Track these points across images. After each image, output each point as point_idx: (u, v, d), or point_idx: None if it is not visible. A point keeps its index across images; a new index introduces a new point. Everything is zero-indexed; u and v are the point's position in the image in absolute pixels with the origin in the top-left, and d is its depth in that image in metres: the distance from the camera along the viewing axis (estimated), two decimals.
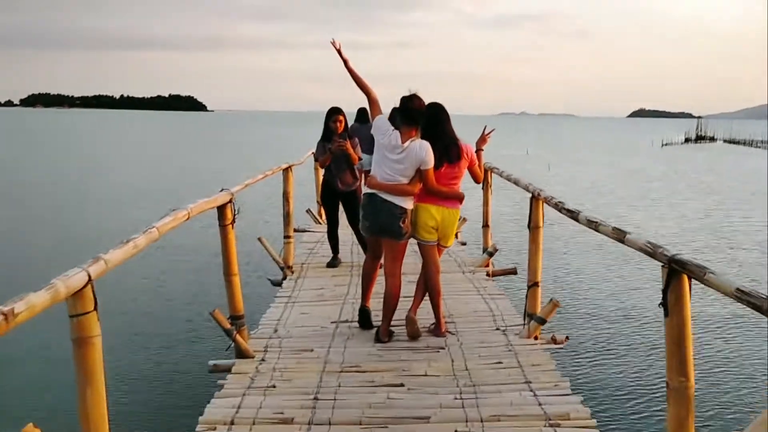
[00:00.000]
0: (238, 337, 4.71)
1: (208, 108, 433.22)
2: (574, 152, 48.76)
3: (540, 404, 3.89)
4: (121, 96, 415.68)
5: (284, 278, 7.28)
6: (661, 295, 2.60)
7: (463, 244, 9.41)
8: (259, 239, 7.41)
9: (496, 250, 7.46)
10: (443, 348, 4.88)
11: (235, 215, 4.69)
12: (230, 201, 4.61)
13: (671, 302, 2.56)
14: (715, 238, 14.97)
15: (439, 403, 3.94)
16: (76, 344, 2.46)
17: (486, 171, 7.33)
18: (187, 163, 34.55)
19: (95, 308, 2.47)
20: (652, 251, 2.74)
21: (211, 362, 4.87)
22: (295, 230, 9.68)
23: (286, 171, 7.45)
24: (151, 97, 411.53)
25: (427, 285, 5.22)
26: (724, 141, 67.57)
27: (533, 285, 5.05)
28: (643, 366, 7.11)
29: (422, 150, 4.88)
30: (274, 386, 4.23)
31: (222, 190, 4.63)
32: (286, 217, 7.46)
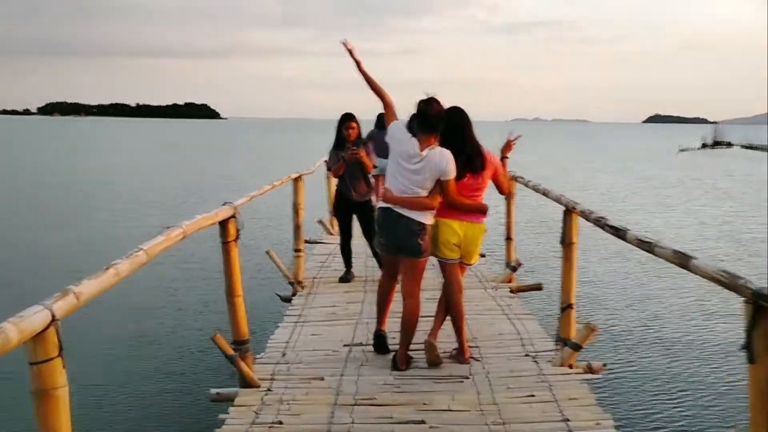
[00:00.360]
0: (241, 364, 4.28)
1: (222, 116, 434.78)
2: (589, 158, 48.11)
3: None
4: (137, 104, 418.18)
5: (294, 294, 6.86)
6: (745, 336, 2.14)
7: (482, 256, 8.94)
8: (268, 252, 7.00)
9: (520, 265, 7.00)
10: (468, 377, 4.42)
11: (239, 231, 4.26)
12: (233, 216, 4.19)
13: (758, 347, 2.10)
14: (734, 245, 14.41)
15: None
16: (36, 397, 2.03)
17: (510, 180, 6.88)
18: (201, 169, 34.29)
19: (60, 353, 2.04)
20: (729, 282, 2.28)
21: (213, 391, 4.45)
22: (306, 242, 9.26)
23: (296, 181, 7.03)
24: (167, 105, 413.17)
25: (449, 307, 4.78)
26: (742, 146, 66.52)
27: (567, 307, 4.59)
28: (696, 404, 6.31)
29: (443, 159, 4.44)
30: (280, 422, 3.80)
31: (225, 204, 4.20)
32: (296, 229, 7.04)
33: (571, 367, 4.53)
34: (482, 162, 4.65)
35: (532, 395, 4.08)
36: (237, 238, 4.27)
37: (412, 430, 3.67)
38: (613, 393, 6.18)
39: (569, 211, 4.49)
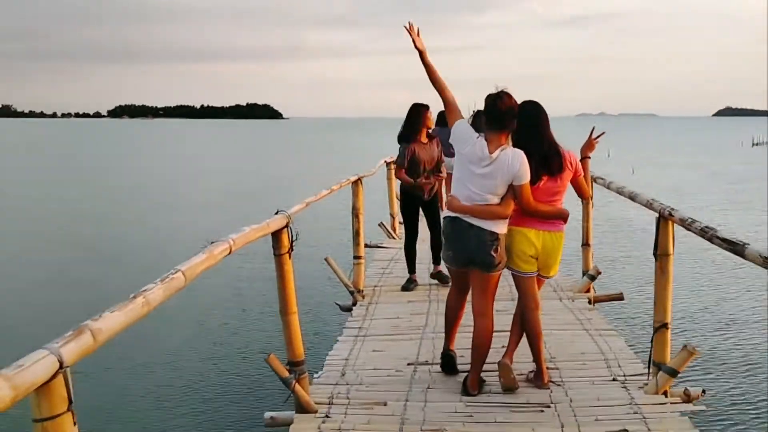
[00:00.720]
0: (297, 387, 3.91)
1: (284, 116, 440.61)
2: (658, 154, 46.22)
3: None
4: (202, 106, 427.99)
5: (354, 303, 6.48)
6: None
7: None
8: (326, 260, 6.63)
9: (598, 273, 6.43)
10: (549, 406, 3.92)
11: (292, 242, 3.89)
12: (287, 225, 3.81)
13: None
14: None
15: None
16: None
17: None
18: (261, 170, 34.42)
19: (69, 408, 1.68)
20: None
21: (267, 415, 4.10)
22: (366, 246, 8.89)
23: (356, 184, 6.64)
24: (230, 106, 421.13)
25: (525, 325, 4.30)
26: None
27: (662, 326, 4.03)
28: None
29: (516, 161, 3.95)
30: None
31: (277, 212, 3.83)
32: (356, 235, 6.65)
33: (665, 394, 3.99)
34: (560, 163, 4.15)
35: (625, 430, 3.56)
36: (291, 249, 3.89)
37: None
38: (715, 424, 5.35)
39: (664, 219, 3.93)
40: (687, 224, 3.53)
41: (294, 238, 3.90)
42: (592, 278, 6.44)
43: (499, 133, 4.00)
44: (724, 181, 26.77)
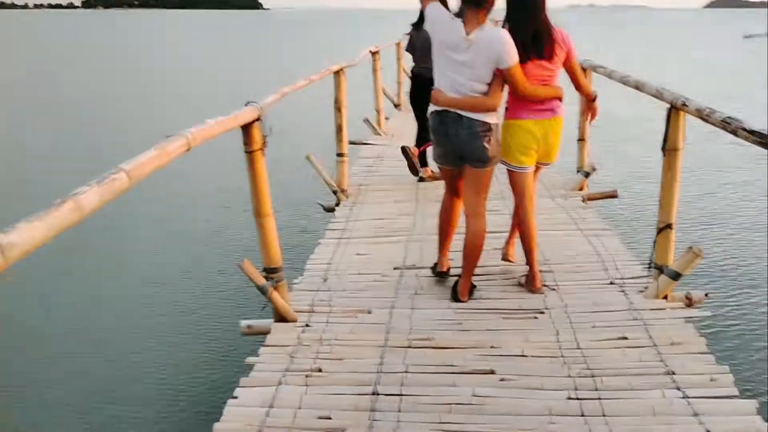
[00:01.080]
0: (274, 294, 3.64)
1: (264, 6, 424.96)
2: (648, 47, 45.06)
3: (696, 414, 2.71)
4: None
5: (338, 204, 6.16)
6: None
7: None
8: (308, 157, 6.24)
9: (594, 170, 6.10)
10: (542, 312, 3.69)
11: (266, 138, 3.49)
12: (258, 119, 3.41)
13: None
14: None
15: (549, 408, 2.80)
16: None
17: (585, 70, 5.88)
18: (241, 64, 33.04)
19: None
20: None
21: (244, 323, 3.84)
22: (351, 143, 8.49)
23: (338, 74, 6.15)
24: None
25: (519, 225, 4.03)
26: None
27: (666, 227, 3.74)
28: None
29: (496, 40, 3.52)
30: (320, 370, 3.17)
31: (247, 104, 3.42)
32: (338, 131, 6.23)
33: (666, 299, 3.76)
34: (550, 42, 3.75)
35: (624, 337, 3.34)
36: (264, 145, 3.51)
37: (479, 382, 2.99)
38: (719, 332, 4.97)
39: (676, 110, 3.56)
40: (705, 115, 3.16)
41: (267, 132, 3.51)
42: (587, 175, 6.13)
43: (476, 11, 3.55)
44: (719, 74, 26.15)
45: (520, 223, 4.02)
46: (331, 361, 3.25)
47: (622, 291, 3.90)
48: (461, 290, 3.87)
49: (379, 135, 9.24)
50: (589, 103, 4.24)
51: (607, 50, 35.33)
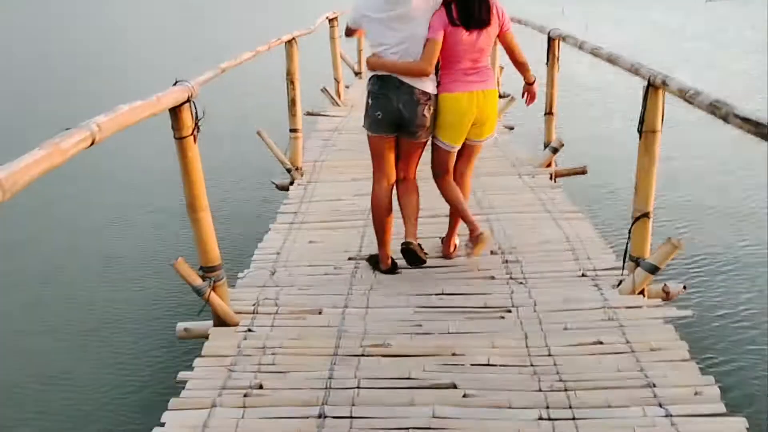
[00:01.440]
0: (213, 296, 3.25)
1: None
2: (613, 9, 44.76)
3: None
4: None
5: (292, 182, 5.76)
6: None
7: (511, 129, 7.71)
8: (258, 133, 5.80)
9: (561, 146, 5.77)
10: (509, 311, 3.37)
11: (197, 122, 3.07)
12: (188, 101, 2.97)
13: None
14: None
15: (517, 430, 2.48)
16: None
17: (553, 41, 5.53)
18: (178, 33, 31.14)
19: None
20: None
21: (181, 325, 3.46)
22: (308, 114, 8.05)
23: (289, 44, 5.68)
24: None
25: (444, 195, 3.88)
26: None
27: (642, 216, 3.43)
28: None
29: None
30: (260, 386, 2.80)
31: (176, 83, 2.98)
32: (291, 104, 5.78)
33: (642, 294, 3.47)
34: (487, 8, 3.53)
35: (600, 342, 3.03)
36: (196, 130, 3.08)
37: (439, 399, 2.66)
38: (699, 332, 4.40)
39: (654, 88, 3.22)
40: (688, 96, 2.82)
41: (200, 116, 3.08)
42: (555, 151, 5.79)
43: None
44: (680, 38, 25.96)
45: (443, 193, 3.86)
46: (274, 375, 2.89)
47: (595, 285, 3.59)
48: (409, 233, 3.78)
49: (338, 105, 8.80)
50: (528, 86, 3.87)
51: (572, 14, 34.96)
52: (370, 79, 3.70)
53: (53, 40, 25.73)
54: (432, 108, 3.59)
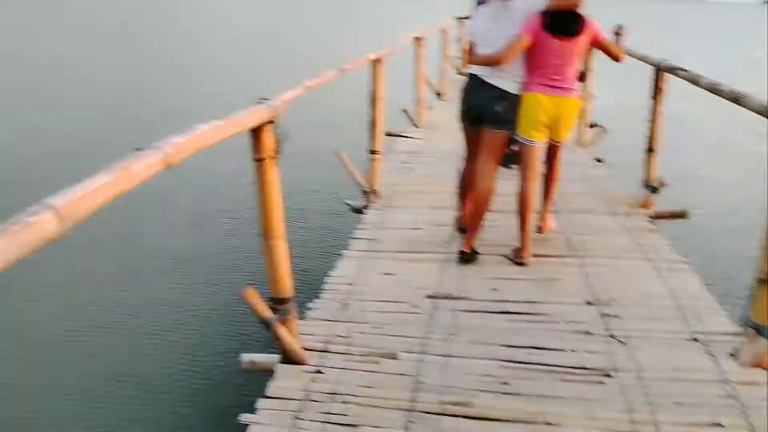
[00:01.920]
0: (282, 330, 3.00)
1: None
2: (703, 43, 43.10)
3: None
4: None
5: (367, 205, 5.50)
6: None
7: (600, 161, 7.25)
8: (338, 155, 5.57)
9: (663, 185, 5.31)
10: (610, 375, 2.98)
11: (279, 143, 2.83)
12: (270, 121, 2.74)
13: None
14: None
15: None
16: None
17: (660, 72, 5.09)
18: (267, 42, 31.69)
19: None
20: None
21: (246, 358, 3.22)
22: (388, 134, 7.80)
23: (375, 64, 5.45)
24: None
25: (519, 196, 4.18)
26: None
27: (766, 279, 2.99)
28: None
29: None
30: None
31: (260, 101, 2.75)
32: (373, 125, 5.54)
33: (764, 367, 3.02)
34: (579, 22, 3.83)
35: (719, 424, 2.62)
36: (278, 152, 2.85)
37: None
38: None
39: None
40: None
41: (281, 138, 2.84)
42: (654, 191, 5.34)
43: None
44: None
45: (520, 194, 4.15)
46: (344, 429, 2.60)
47: (709, 353, 3.16)
48: (464, 243, 4.22)
49: (417, 127, 8.53)
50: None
51: (659, 44, 33.81)
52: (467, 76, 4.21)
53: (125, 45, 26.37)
54: (507, 103, 3.95)
